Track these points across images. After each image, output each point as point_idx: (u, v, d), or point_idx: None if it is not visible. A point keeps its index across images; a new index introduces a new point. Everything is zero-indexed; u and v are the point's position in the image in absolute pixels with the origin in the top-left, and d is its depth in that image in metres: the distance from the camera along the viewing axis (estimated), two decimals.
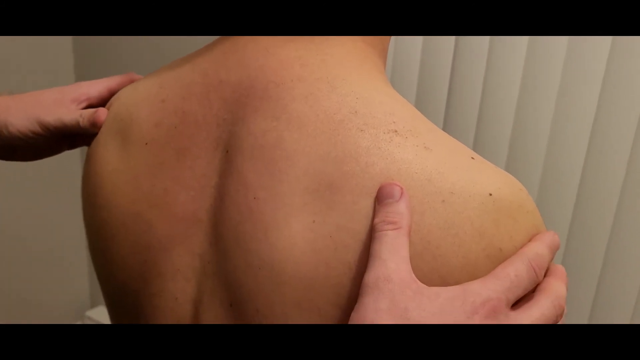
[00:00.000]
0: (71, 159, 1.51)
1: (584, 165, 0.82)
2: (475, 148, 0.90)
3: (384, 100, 0.41)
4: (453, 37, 0.90)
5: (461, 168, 0.38)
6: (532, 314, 0.36)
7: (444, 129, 0.92)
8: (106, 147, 0.52)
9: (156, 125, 0.47)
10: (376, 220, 0.37)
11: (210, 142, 0.45)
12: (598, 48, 0.79)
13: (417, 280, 0.36)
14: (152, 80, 0.51)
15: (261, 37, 0.44)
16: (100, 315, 1.63)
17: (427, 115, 0.92)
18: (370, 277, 0.36)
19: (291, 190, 0.40)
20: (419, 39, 0.93)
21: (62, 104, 0.59)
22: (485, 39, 0.87)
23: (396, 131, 0.39)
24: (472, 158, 0.39)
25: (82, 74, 1.44)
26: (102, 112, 0.54)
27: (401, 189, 0.38)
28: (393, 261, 0.36)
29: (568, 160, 0.82)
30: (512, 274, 0.36)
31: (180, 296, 0.47)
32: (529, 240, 0.39)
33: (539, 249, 0.38)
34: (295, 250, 0.39)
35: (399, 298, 0.35)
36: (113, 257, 0.51)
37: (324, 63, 0.43)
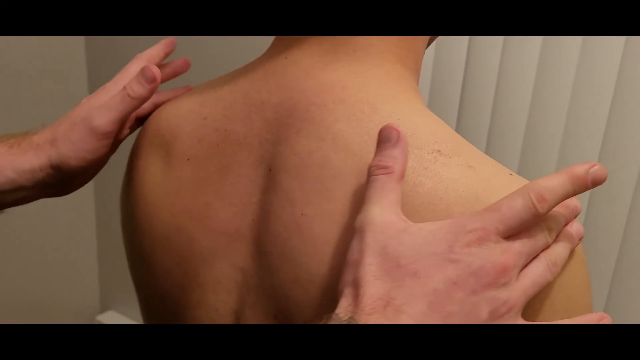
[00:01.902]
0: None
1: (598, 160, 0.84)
2: (487, 149, 0.92)
3: (424, 121, 0.44)
4: (466, 37, 0.92)
5: (503, 184, 0.40)
6: (526, 274, 0.37)
7: (457, 129, 0.94)
8: (148, 159, 0.54)
9: (199, 142, 0.50)
10: (370, 163, 0.40)
11: (252, 160, 0.47)
12: (611, 48, 0.81)
13: (407, 221, 0.38)
14: (193, 98, 0.53)
15: (301, 59, 0.47)
16: (111, 319, 1.66)
17: (440, 115, 0.95)
18: (357, 221, 0.39)
19: (340, 207, 0.42)
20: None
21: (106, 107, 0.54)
22: (499, 39, 0.89)
23: (439, 151, 0.42)
24: (511, 174, 0.42)
25: (95, 75, 1.47)
26: (152, 68, 0.52)
27: (399, 133, 0.40)
28: (379, 205, 0.38)
29: (581, 160, 0.84)
30: (505, 206, 0.37)
31: (222, 307, 0.49)
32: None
33: (548, 181, 0.37)
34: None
35: (379, 237, 0.37)
36: (154, 267, 0.53)
37: (364, 85, 0.45)
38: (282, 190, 0.45)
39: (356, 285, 0.36)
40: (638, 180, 0.81)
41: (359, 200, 0.41)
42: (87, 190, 1.58)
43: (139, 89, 0.53)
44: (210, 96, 0.52)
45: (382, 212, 0.38)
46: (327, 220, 0.42)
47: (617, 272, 0.85)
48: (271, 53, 0.50)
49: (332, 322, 0.35)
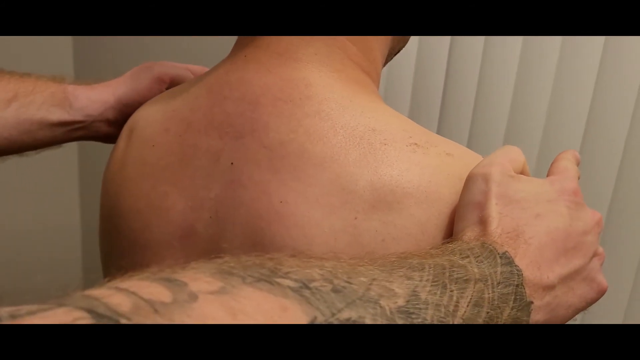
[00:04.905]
0: (72, 170, 1.58)
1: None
2: (469, 147, 0.95)
3: (393, 119, 0.48)
4: (448, 38, 0.96)
5: None
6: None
7: (439, 127, 0.98)
8: (118, 144, 0.58)
9: (165, 130, 0.53)
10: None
11: (212, 153, 0.49)
12: (591, 48, 0.84)
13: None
14: (168, 93, 0.57)
15: (260, 57, 0.50)
16: None
17: (422, 115, 0.98)
18: (477, 167, 0.45)
19: (325, 191, 0.45)
20: (414, 39, 0.99)
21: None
22: (480, 39, 0.93)
23: (416, 144, 0.46)
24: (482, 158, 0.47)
25: (82, 75, 1.51)
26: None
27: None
28: (499, 155, 0.46)
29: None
30: (571, 170, 0.47)
31: None
32: None
33: (568, 154, 0.49)
34: (337, 244, 0.44)
35: (500, 181, 0.43)
36: (113, 251, 0.56)
37: (329, 85, 0.48)
38: (254, 183, 0.47)
39: (484, 222, 0.42)
40: (617, 178, 0.84)
41: (347, 183, 0.44)
42: (73, 190, 1.61)
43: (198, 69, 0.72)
44: (181, 90, 0.55)
45: (501, 161, 0.44)
46: (313, 204, 0.45)
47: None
48: (232, 52, 0.53)
49: (460, 245, 0.40)
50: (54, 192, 1.58)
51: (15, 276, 1.55)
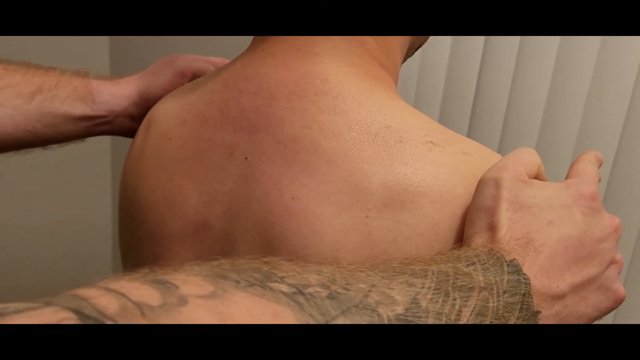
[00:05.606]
0: (105, 166, 1.60)
1: (612, 167, 0.84)
2: (501, 149, 0.93)
3: (410, 117, 0.47)
4: (482, 38, 0.94)
5: None
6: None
7: (470, 125, 0.96)
8: (137, 137, 0.59)
9: (182, 124, 0.53)
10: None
11: (226, 147, 0.49)
12: (630, 49, 0.81)
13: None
14: (187, 87, 0.57)
15: (277, 51, 0.49)
16: None
17: (455, 114, 0.96)
18: (489, 171, 0.44)
19: (338, 188, 0.44)
20: (448, 38, 0.97)
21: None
22: (515, 38, 0.91)
23: (432, 142, 0.45)
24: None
25: (118, 74, 1.53)
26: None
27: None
28: (512, 159, 0.44)
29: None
30: (590, 172, 0.45)
31: None
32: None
33: (590, 156, 0.47)
34: (348, 242, 0.43)
35: (512, 186, 0.42)
36: (131, 244, 0.56)
37: (346, 80, 0.47)
38: (266, 178, 0.47)
39: (493, 228, 0.41)
40: None
41: (359, 181, 0.44)
42: (104, 193, 1.64)
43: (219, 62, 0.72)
44: (198, 84, 0.55)
45: (514, 165, 0.43)
46: (324, 201, 0.44)
47: (630, 272, 0.85)
48: (250, 47, 0.53)
49: (466, 252, 0.39)
50: (87, 188, 1.60)
51: (46, 271, 1.57)
